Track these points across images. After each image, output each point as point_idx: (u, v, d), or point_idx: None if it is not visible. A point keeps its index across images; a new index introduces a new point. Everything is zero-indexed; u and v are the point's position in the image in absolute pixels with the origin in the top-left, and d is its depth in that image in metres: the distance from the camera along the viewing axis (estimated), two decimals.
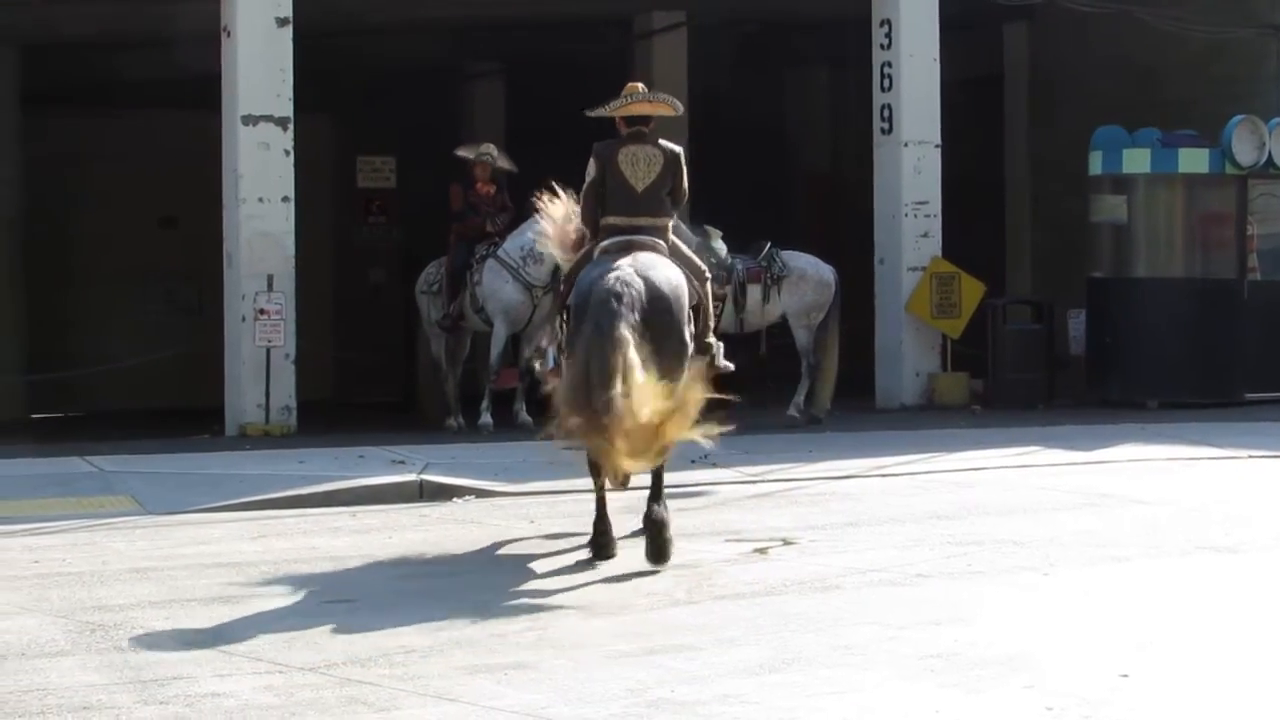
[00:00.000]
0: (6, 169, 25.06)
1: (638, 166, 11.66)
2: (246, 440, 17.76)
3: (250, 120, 18.52)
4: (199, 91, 21.34)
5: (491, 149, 19.67)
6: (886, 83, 21.02)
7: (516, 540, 12.20)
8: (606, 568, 11.06)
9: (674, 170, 11.72)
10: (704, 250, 18.59)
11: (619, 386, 10.39)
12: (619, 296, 10.85)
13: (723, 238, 18.70)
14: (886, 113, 21.03)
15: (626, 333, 10.65)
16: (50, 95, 26.64)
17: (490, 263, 18.68)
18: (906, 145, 20.90)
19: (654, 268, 11.28)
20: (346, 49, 25.25)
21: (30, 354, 25.91)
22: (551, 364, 12.01)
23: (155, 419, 21.41)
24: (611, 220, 11.62)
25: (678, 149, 11.85)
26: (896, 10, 20.91)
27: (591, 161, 11.75)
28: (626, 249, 11.43)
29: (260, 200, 18.47)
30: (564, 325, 11.54)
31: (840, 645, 8.80)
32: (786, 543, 11.80)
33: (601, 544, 11.48)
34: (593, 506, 11.67)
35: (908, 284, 20.77)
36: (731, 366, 12.21)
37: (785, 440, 17.29)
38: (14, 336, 25.32)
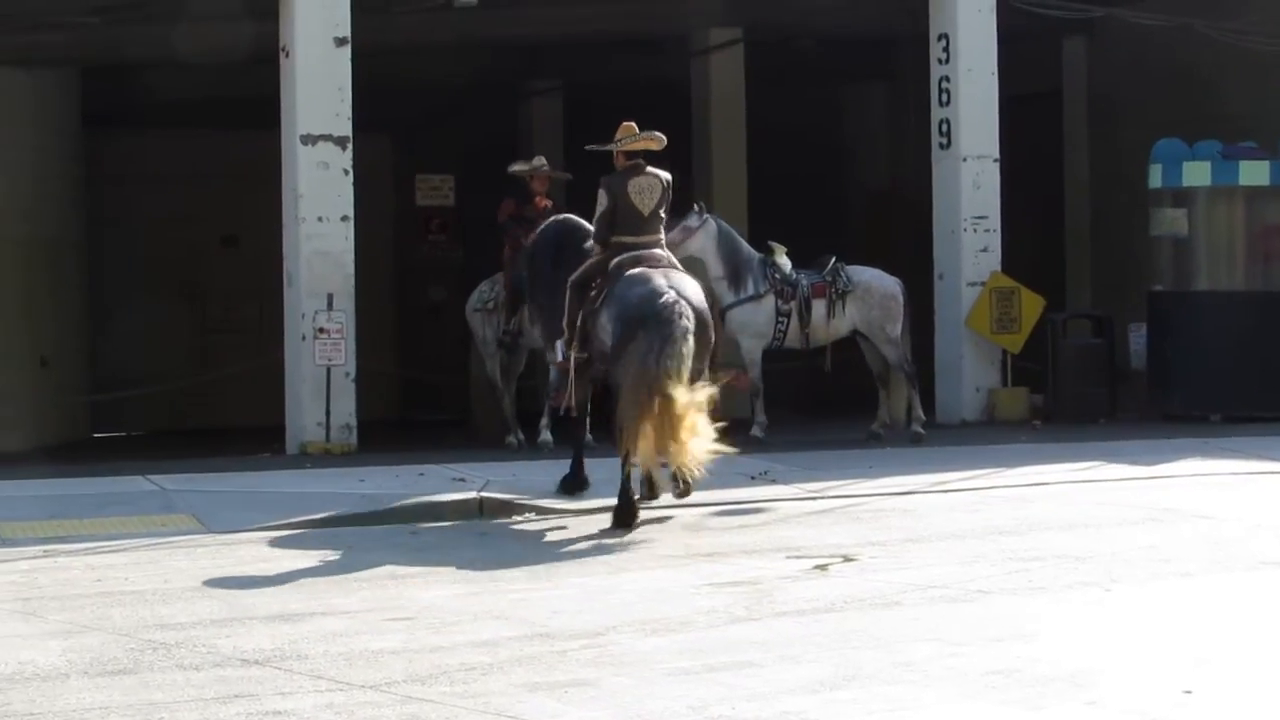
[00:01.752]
0: (69, 190, 25.21)
1: (643, 194, 14.08)
2: (307, 458, 17.82)
3: (309, 140, 18.59)
4: (259, 111, 21.44)
5: (544, 160, 19.70)
6: (945, 97, 20.99)
7: (577, 557, 12.21)
8: (668, 585, 11.05)
9: (667, 194, 14.20)
10: (767, 265, 18.64)
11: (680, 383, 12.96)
12: (678, 313, 13.26)
13: (787, 253, 18.67)
14: (945, 127, 20.99)
15: (689, 342, 13.18)
16: (111, 116, 26.80)
17: None
18: (965, 160, 20.85)
19: (686, 286, 13.72)
20: (405, 68, 25.32)
21: (93, 373, 26.05)
22: (560, 357, 14.40)
23: (216, 437, 21.51)
24: (623, 239, 13.99)
25: (669, 176, 14.27)
26: (954, 25, 20.87)
27: (602, 192, 14.10)
28: (653, 263, 13.86)
29: (320, 219, 18.52)
30: (588, 326, 13.84)
31: (901, 662, 8.77)
32: (847, 559, 11.78)
33: (624, 512, 13.49)
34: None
35: (967, 299, 20.71)
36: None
37: (845, 456, 17.26)
38: (77, 356, 25.47)
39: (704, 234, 18.30)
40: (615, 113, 19.11)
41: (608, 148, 14.27)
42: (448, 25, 23.15)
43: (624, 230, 13.98)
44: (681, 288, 13.55)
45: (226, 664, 8.96)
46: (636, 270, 13.71)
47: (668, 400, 12.87)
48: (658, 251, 14.03)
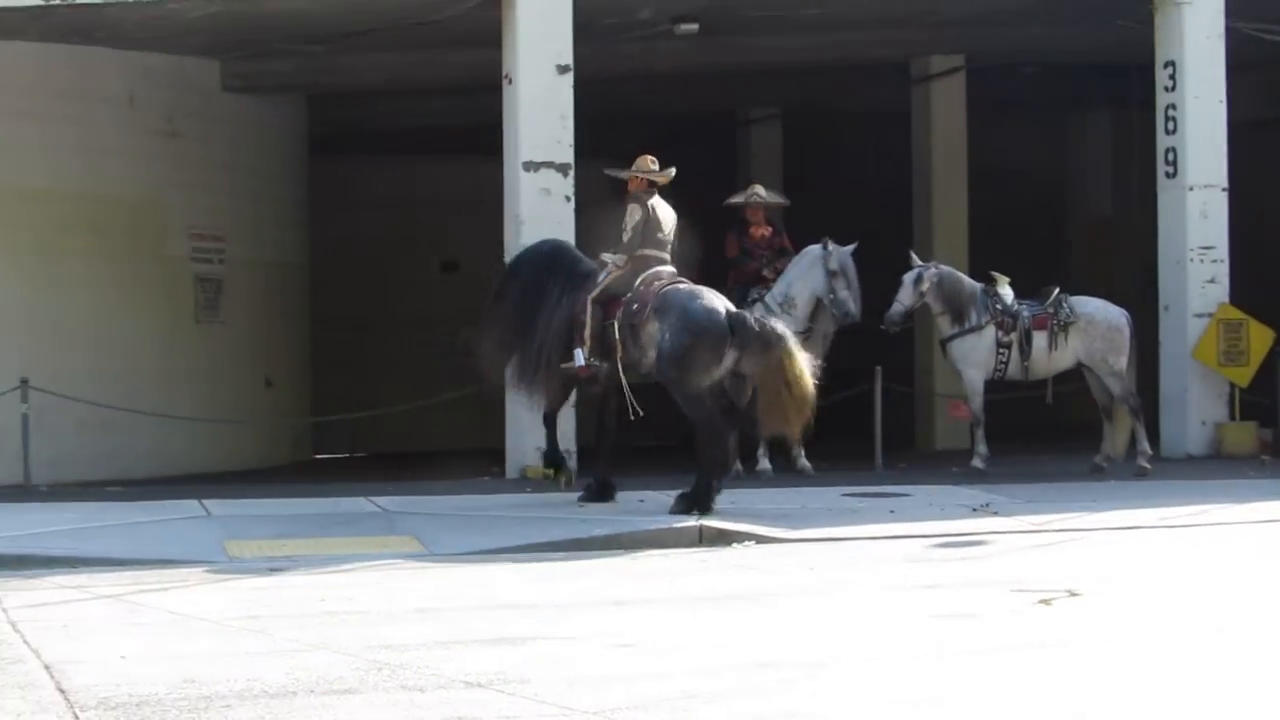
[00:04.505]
0: (294, 214, 25.61)
1: (664, 217, 15.49)
2: (527, 483, 17.91)
3: (531, 166, 18.73)
4: (481, 138, 21.64)
5: (759, 189, 19.65)
6: (1171, 125, 20.69)
7: (797, 585, 12.14)
8: (889, 615, 10.94)
9: (674, 227, 15.58)
10: (988, 295, 18.46)
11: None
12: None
13: (1010, 283, 18.50)
14: (1171, 156, 20.69)
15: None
16: (336, 142, 27.19)
17: (758, 308, 18.65)
18: (1192, 189, 20.54)
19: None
20: (625, 95, 25.44)
21: (315, 396, 26.41)
22: (581, 362, 15.26)
23: (436, 461, 21.69)
24: (649, 253, 15.31)
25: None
26: (1181, 51, 20.56)
27: (634, 205, 15.33)
28: (673, 280, 15.29)
29: None
30: (618, 337, 15.07)
31: (1132, 702, 8.61)
32: (1071, 594, 11.60)
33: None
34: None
35: (1194, 331, 20.38)
36: None
37: (1067, 489, 17.05)
38: (300, 377, 25.84)
39: (930, 283, 18.31)
40: (834, 140, 18.96)
41: (630, 174, 15.56)
42: (668, 53, 23.25)
43: (649, 245, 15.34)
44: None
45: (450, 686, 9.00)
46: (683, 285, 15.23)
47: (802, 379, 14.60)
48: (672, 269, 15.46)
